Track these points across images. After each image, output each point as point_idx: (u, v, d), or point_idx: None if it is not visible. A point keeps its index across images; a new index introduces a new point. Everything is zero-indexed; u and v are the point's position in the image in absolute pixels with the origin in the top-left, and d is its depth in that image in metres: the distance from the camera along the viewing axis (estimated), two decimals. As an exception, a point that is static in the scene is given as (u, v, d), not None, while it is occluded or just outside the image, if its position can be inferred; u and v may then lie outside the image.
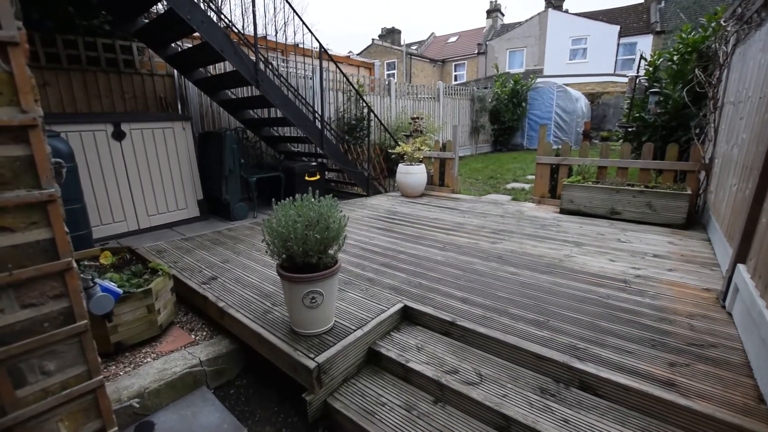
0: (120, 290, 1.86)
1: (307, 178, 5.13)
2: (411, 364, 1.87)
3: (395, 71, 23.54)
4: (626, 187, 4.14)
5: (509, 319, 2.13)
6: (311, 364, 1.71)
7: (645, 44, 20.44)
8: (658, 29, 19.98)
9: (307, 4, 29.29)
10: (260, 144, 5.95)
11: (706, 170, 3.96)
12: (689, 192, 3.84)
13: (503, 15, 26.03)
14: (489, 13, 25.72)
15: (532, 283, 2.61)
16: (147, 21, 4.15)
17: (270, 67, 4.89)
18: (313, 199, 1.98)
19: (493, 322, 2.10)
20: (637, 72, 5.62)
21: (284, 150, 5.98)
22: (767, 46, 2.52)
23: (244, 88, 5.60)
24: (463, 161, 10.34)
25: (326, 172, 6.54)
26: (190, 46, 4.53)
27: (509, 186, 6.95)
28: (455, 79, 24.75)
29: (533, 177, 7.69)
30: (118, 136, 3.91)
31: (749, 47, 3.03)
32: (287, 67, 6.65)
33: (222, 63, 5.30)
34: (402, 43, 26.01)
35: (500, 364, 1.88)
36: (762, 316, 1.65)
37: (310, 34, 4.63)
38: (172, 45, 4.61)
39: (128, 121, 3.98)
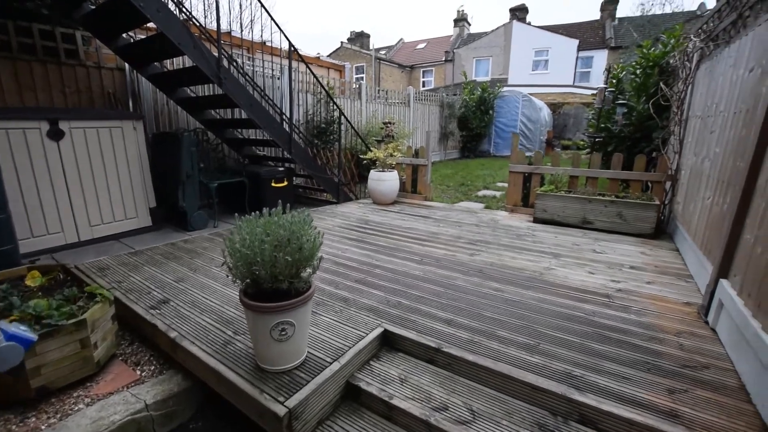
0: (33, 336, 1.50)
1: (273, 184, 4.81)
2: (395, 401, 1.66)
3: (364, 75, 23.41)
4: (598, 197, 4.17)
5: (498, 344, 1.97)
6: (281, 410, 1.46)
7: (600, 58, 21.62)
8: (613, 45, 21.19)
9: (275, 2, 28.57)
10: (222, 147, 5.55)
11: (672, 181, 4.07)
12: (657, 202, 3.92)
13: (470, 24, 26.66)
14: (456, 22, 26.25)
15: (517, 300, 2.48)
16: (93, 7, 3.70)
17: (235, 64, 4.55)
18: (283, 213, 1.73)
19: (482, 347, 1.94)
20: (606, 84, 5.77)
21: (249, 154, 5.62)
22: (738, 63, 2.56)
23: (206, 86, 5.21)
24: (433, 167, 10.29)
25: (294, 178, 6.23)
26: (144, 37, 4.11)
27: (481, 193, 6.95)
28: (423, 85, 25.00)
29: (503, 184, 7.78)
30: (55, 135, 3.44)
31: (716, 63, 3.10)
32: (253, 65, 6.29)
33: (181, 58, 4.90)
34: (371, 47, 25.97)
35: (493, 397, 1.71)
36: (759, 339, 1.58)
37: (279, 32, 4.35)
38: (124, 36, 4.17)
39: (68, 119, 3.52)
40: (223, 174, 4.98)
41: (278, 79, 6.43)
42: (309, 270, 1.70)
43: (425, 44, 27.87)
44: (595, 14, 24.57)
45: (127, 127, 3.92)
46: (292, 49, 4.56)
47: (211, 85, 4.55)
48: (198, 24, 3.88)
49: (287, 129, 4.79)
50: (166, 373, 2.01)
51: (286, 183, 4.98)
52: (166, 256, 3.22)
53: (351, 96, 8.52)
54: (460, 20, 26.09)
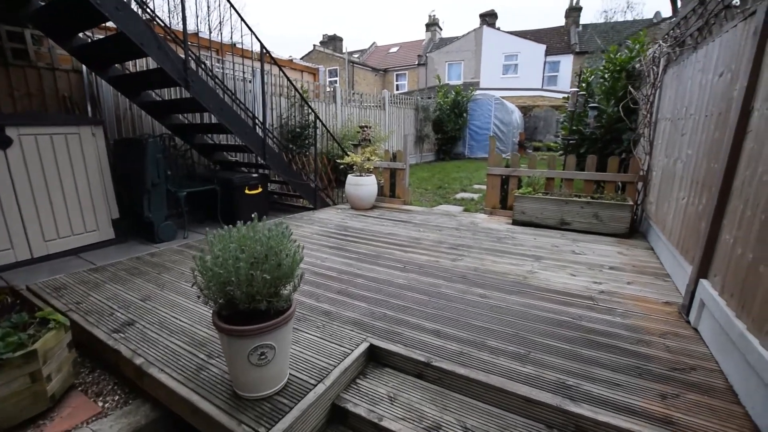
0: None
1: (247, 191, 4.62)
2: (385, 422, 1.56)
3: (337, 78, 23.26)
4: (575, 199, 4.24)
5: (489, 354, 1.91)
6: (262, 444, 1.33)
7: (567, 63, 22.42)
8: (578, 50, 22.01)
9: (245, 4, 27.98)
10: (191, 153, 5.29)
11: (644, 181, 4.19)
12: (631, 203, 4.02)
13: (441, 29, 27.02)
14: (428, 26, 26.55)
15: (504, 306, 2.44)
16: (43, 3, 3.42)
17: (203, 66, 4.34)
18: (259, 226, 1.61)
19: (472, 358, 1.87)
20: (578, 87, 5.91)
21: (220, 160, 5.38)
22: (707, 67, 2.64)
23: (172, 89, 4.96)
24: (410, 170, 10.27)
25: (269, 184, 6.04)
26: (103, 37, 3.84)
27: (458, 196, 6.96)
28: (397, 89, 25.10)
29: (480, 186, 7.84)
30: (2, 143, 3.14)
31: (684, 68, 3.20)
32: (223, 68, 6.05)
33: (144, 59, 4.64)
34: (344, 50, 25.85)
35: (486, 412, 1.64)
36: (745, 339, 1.60)
37: (250, 33, 4.18)
38: (80, 35, 3.89)
39: (17, 125, 3.22)
40: (193, 181, 4.74)
41: (250, 82, 6.22)
42: (290, 287, 1.58)
43: (398, 48, 28.03)
44: (561, 21, 25.48)
45: (85, 133, 3.64)
46: (264, 50, 4.39)
47: (178, 88, 4.33)
48: (162, 24, 3.66)
49: (260, 133, 4.61)
50: (133, 403, 1.83)
51: (260, 190, 4.79)
52: (131, 272, 2.99)
53: (326, 99, 8.38)
54: (432, 25, 26.40)
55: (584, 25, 23.57)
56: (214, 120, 4.17)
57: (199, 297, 1.51)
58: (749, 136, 1.93)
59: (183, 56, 3.62)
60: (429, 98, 13.49)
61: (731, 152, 2.02)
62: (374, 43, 29.68)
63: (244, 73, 6.13)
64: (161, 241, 4.00)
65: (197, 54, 4.51)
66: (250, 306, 1.48)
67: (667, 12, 19.88)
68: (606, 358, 1.88)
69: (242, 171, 5.25)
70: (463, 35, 22.79)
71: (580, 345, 2.00)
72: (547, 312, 2.37)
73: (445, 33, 27.48)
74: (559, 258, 3.39)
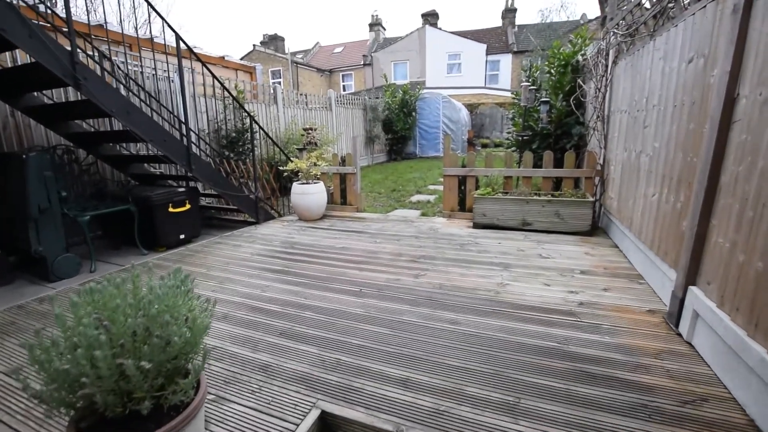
0: None
1: (171, 209, 3.92)
2: None
3: (281, 80, 22.27)
4: (535, 198, 4.04)
5: (471, 408, 1.53)
6: None
7: (506, 62, 23.23)
8: (516, 49, 22.89)
9: (173, 1, 25.95)
10: (99, 167, 4.45)
11: (600, 176, 4.09)
12: (592, 199, 3.89)
13: (385, 29, 26.88)
14: (371, 26, 26.28)
15: (479, 334, 2.08)
16: None
17: (109, 62, 3.60)
18: (143, 277, 1.09)
19: (452, 418, 1.48)
20: (531, 83, 5.81)
21: (140, 173, 4.59)
22: (670, 55, 2.47)
23: (71, 91, 4.12)
24: (362, 173, 9.85)
25: (202, 198, 5.32)
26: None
27: (414, 199, 6.65)
28: (344, 89, 24.58)
29: (435, 187, 7.60)
30: None
31: (640, 58, 3.07)
32: (142, 66, 5.21)
33: (17, 53, 3.80)
34: (286, 50, 24.84)
35: (478, 499, 1.25)
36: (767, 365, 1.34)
37: (171, 29, 3.51)
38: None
39: None
40: (102, 202, 3.95)
41: (172, 81, 5.44)
42: (193, 372, 1.08)
43: (342, 48, 27.49)
44: (497, 22, 26.38)
45: (-64, 148, 2.79)
46: (180, 41, 3.73)
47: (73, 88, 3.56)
48: (48, 12, 2.91)
49: (185, 142, 3.94)
50: None
51: (188, 206, 4.10)
52: (4, 330, 2.27)
53: (266, 101, 7.70)
54: (375, 24, 26.17)
55: (520, 26, 24.57)
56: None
57: (40, 404, 0.96)
58: (736, 127, 1.72)
59: (70, 48, 2.90)
60: (377, 98, 13.16)
61: (716, 145, 1.80)
62: (318, 43, 28.89)
63: (166, 71, 5.35)
64: (59, 278, 3.22)
65: (102, 49, 3.76)
66: (125, 410, 0.96)
67: (592, 14, 21.17)
68: (608, 398, 1.57)
69: (169, 184, 4.52)
70: (407, 35, 22.78)
71: (575, 380, 1.68)
72: (529, 336, 2.04)
73: (389, 33, 27.40)
74: (527, 264, 3.13)
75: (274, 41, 26.22)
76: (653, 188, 2.63)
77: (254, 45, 23.88)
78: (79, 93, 3.08)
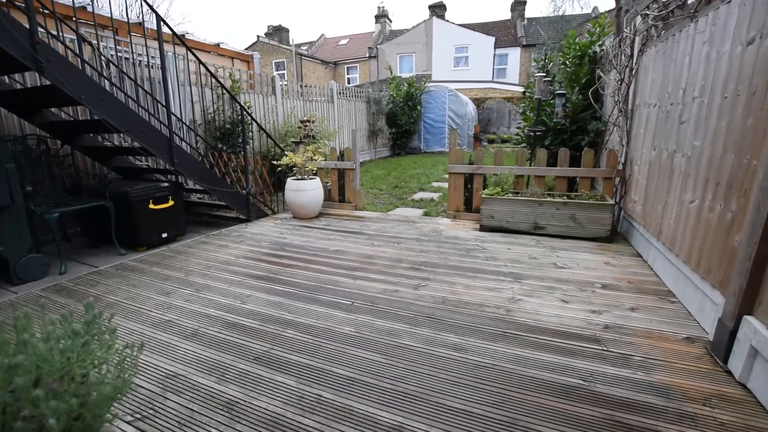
0: None
1: (152, 206, 3.61)
2: None
3: (285, 71, 21.87)
4: (549, 199, 3.69)
5: (480, 475, 1.21)
6: None
7: (515, 56, 22.64)
8: (524, 43, 22.30)
9: (176, -7, 25.58)
10: (74, 159, 4.14)
11: (622, 177, 3.73)
12: (612, 202, 3.53)
13: (391, 21, 26.33)
14: (377, 18, 25.74)
15: (488, 365, 1.76)
16: None
17: (89, 46, 3.28)
18: (22, 322, 0.77)
19: (456, 489, 1.16)
20: (546, 75, 5.43)
21: (124, 166, 4.28)
22: (720, 38, 2.10)
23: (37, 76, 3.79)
24: (363, 168, 9.54)
25: (190, 194, 5.03)
26: None
27: (417, 196, 6.30)
28: (348, 82, 24.15)
29: (439, 184, 7.24)
30: None
31: (675, 44, 2.70)
32: (133, 53, 4.88)
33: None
34: (291, 42, 24.39)
35: None
36: None
37: (151, 9, 3.18)
38: None
39: None
40: (76, 197, 3.64)
41: (158, 69, 5.10)
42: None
43: (348, 40, 26.98)
44: (506, 14, 25.75)
45: None
46: (161, 22, 3.38)
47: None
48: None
49: (167, 133, 3.62)
50: None
51: (171, 203, 3.79)
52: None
53: (264, 91, 7.35)
54: (381, 16, 25.61)
55: (529, 19, 23.93)
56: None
57: None
58: (817, 122, 1.37)
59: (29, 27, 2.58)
60: (381, 91, 12.75)
61: (789, 144, 1.45)
62: (323, 35, 28.40)
63: (153, 57, 5.01)
64: (22, 281, 2.93)
65: (76, 30, 3.43)
66: None
67: (604, 6, 20.56)
68: (652, 463, 1.24)
69: (154, 179, 4.21)
70: (414, 27, 22.25)
71: (608, 435, 1.35)
72: (547, 370, 1.72)
73: (395, 25, 26.85)
74: (541, 276, 2.80)
75: (278, 33, 25.77)
76: (692, 193, 2.28)
77: (258, 36, 23.46)
78: (42, 77, 2.76)
